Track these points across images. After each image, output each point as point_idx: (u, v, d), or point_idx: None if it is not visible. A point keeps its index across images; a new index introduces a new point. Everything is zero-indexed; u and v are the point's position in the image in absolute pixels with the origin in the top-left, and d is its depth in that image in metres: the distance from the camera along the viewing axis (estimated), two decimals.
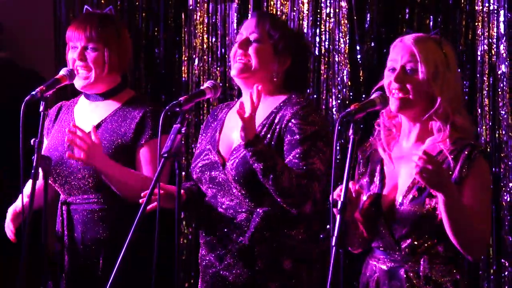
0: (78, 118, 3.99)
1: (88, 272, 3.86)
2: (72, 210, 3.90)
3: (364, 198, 3.40)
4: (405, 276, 3.34)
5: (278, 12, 5.29)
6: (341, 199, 3.05)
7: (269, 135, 3.60)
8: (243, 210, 3.58)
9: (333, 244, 3.00)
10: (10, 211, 3.95)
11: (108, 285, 3.21)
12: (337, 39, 5.22)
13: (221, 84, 3.68)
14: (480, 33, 4.88)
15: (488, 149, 4.84)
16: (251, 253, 3.56)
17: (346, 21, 5.20)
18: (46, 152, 3.90)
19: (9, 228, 3.94)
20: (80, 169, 3.85)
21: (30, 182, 3.71)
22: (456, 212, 3.22)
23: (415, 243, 3.32)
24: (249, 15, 5.35)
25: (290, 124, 3.57)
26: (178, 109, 3.42)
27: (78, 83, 3.93)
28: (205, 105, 5.53)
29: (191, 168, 3.73)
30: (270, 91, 3.70)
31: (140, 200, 3.52)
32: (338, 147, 4.96)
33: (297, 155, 3.53)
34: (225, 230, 3.60)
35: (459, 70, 4.86)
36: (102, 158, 3.76)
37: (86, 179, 3.85)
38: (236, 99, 3.89)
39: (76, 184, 3.87)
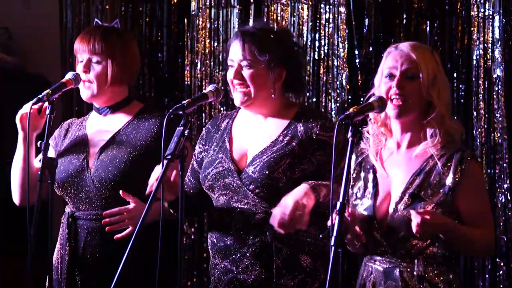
0: (90, 132, 3.96)
1: (92, 281, 3.83)
2: (78, 224, 3.87)
3: (360, 209, 3.41)
4: (400, 276, 3.34)
5: (278, 18, 5.29)
6: (340, 199, 3.04)
7: (294, 143, 3.60)
8: (259, 211, 3.57)
9: (332, 244, 3.00)
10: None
11: (113, 284, 3.20)
12: (336, 44, 5.22)
13: (223, 88, 3.67)
14: (476, 38, 4.87)
15: (484, 151, 4.84)
16: (269, 251, 3.56)
17: (345, 26, 5.20)
18: (61, 166, 3.87)
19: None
20: (94, 182, 3.82)
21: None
22: (458, 241, 3.31)
23: (410, 245, 3.32)
24: (252, 21, 5.38)
25: (321, 137, 3.59)
26: (181, 112, 3.41)
27: (83, 94, 3.91)
28: (207, 108, 5.52)
29: (202, 176, 3.70)
30: (274, 107, 3.69)
31: (146, 192, 3.51)
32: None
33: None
34: (240, 233, 3.59)
35: (454, 74, 4.93)
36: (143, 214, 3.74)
37: (98, 193, 3.82)
38: (236, 109, 3.86)
39: (86, 199, 3.84)
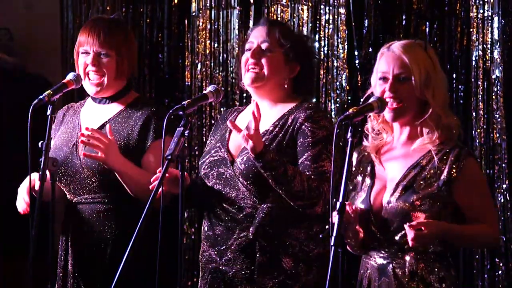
0: (83, 120, 3.98)
1: (93, 271, 3.84)
2: (78, 210, 3.88)
3: (357, 201, 3.41)
4: (392, 272, 3.34)
5: (278, 19, 5.28)
6: (340, 199, 3.04)
7: (281, 134, 3.63)
8: (248, 205, 3.59)
9: (332, 243, 3.00)
10: (24, 186, 3.85)
11: (113, 285, 3.20)
12: (335, 45, 5.22)
13: (223, 89, 3.69)
14: (475, 39, 4.87)
15: (483, 152, 4.84)
16: (253, 247, 3.57)
17: (344, 27, 5.20)
18: (52, 152, 3.88)
19: (23, 201, 3.83)
20: (84, 168, 3.84)
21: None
22: (459, 240, 3.33)
23: (403, 239, 3.32)
24: (252, 22, 5.39)
25: (303, 127, 3.60)
26: (181, 112, 3.42)
27: (90, 89, 3.91)
28: (208, 109, 5.52)
29: (200, 164, 3.75)
30: (280, 97, 3.72)
31: (150, 187, 3.52)
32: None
33: (309, 157, 3.56)
34: (229, 225, 3.61)
35: (453, 75, 4.93)
36: (117, 156, 3.74)
37: (90, 178, 3.84)
38: (245, 104, 3.89)
39: (81, 183, 3.86)
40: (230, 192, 3.63)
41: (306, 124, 3.60)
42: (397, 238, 3.33)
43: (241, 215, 3.60)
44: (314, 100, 5.20)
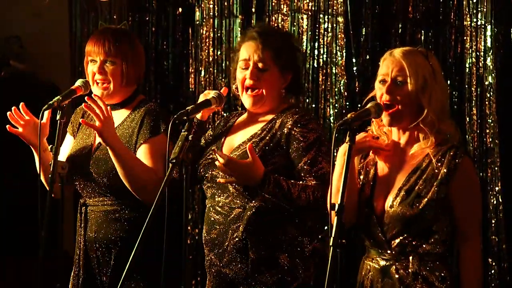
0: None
1: (100, 270, 3.85)
2: (89, 211, 3.90)
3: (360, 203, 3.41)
4: (395, 273, 3.34)
5: (279, 27, 5.29)
6: (339, 201, 3.04)
7: (267, 137, 3.62)
8: (237, 206, 3.58)
9: (331, 244, 2.99)
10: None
11: (120, 284, 3.21)
12: (334, 52, 5.22)
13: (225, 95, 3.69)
14: (469, 46, 4.88)
15: (476, 155, 4.84)
16: (245, 246, 3.56)
17: (343, 36, 5.21)
18: (71, 153, 3.92)
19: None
20: (97, 170, 3.84)
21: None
22: None
23: (405, 242, 3.32)
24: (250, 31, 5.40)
25: (292, 132, 3.58)
26: (185, 117, 3.43)
27: (97, 93, 3.92)
28: (211, 114, 5.52)
29: (197, 166, 3.74)
30: (276, 105, 3.71)
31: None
32: (335, 153, 4.95)
33: (307, 162, 3.56)
34: (222, 227, 3.60)
35: (448, 81, 4.93)
36: (113, 133, 3.74)
37: (100, 185, 3.84)
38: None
39: (93, 186, 3.87)
40: (222, 194, 3.63)
41: (295, 129, 3.59)
42: (399, 241, 3.33)
43: (232, 216, 3.60)
44: (309, 105, 5.23)
